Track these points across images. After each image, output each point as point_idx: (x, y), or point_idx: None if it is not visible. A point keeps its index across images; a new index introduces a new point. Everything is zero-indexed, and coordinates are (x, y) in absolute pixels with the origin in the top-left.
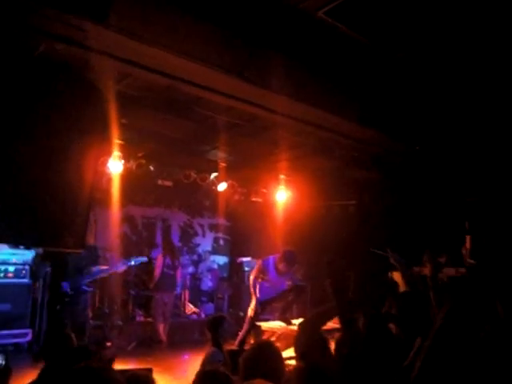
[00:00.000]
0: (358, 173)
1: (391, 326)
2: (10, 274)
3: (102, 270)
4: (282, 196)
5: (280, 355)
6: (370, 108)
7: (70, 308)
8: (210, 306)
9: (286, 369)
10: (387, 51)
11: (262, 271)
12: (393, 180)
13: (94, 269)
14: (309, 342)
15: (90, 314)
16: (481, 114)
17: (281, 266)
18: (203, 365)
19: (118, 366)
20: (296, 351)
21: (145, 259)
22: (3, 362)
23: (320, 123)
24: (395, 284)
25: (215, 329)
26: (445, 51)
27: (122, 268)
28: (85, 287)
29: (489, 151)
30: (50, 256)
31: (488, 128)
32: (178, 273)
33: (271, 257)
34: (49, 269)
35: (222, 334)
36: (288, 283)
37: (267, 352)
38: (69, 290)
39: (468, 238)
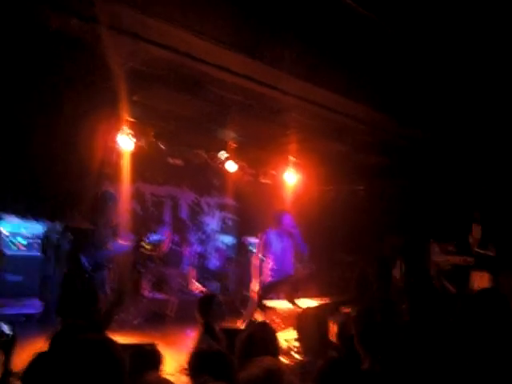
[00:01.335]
0: (368, 158)
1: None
2: (22, 247)
3: (123, 246)
4: (291, 178)
5: (275, 335)
6: (382, 92)
7: (88, 283)
8: (216, 285)
9: (287, 348)
10: (402, 33)
11: (265, 245)
12: (403, 166)
13: (115, 244)
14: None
15: (109, 291)
16: (495, 102)
17: (278, 228)
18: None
19: (124, 339)
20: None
21: (159, 237)
22: (11, 333)
23: (331, 106)
24: None
25: (205, 311)
26: (463, 31)
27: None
28: (104, 263)
29: (501, 139)
30: (69, 230)
31: (501, 116)
32: (185, 250)
33: (268, 229)
34: (68, 243)
35: (214, 317)
36: (296, 266)
37: (262, 332)
38: (88, 265)
39: (475, 226)
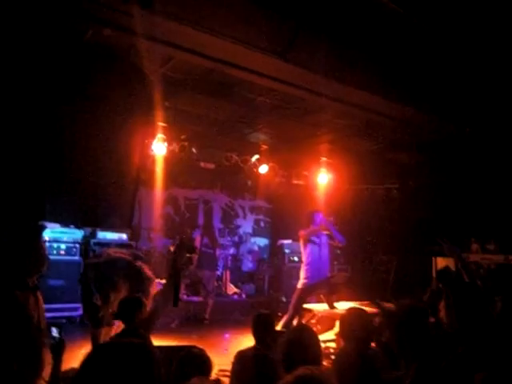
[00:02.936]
0: (402, 155)
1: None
2: (62, 252)
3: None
4: (324, 179)
5: (317, 338)
6: (414, 88)
7: None
8: (251, 287)
9: (326, 351)
10: (435, 28)
11: (305, 240)
12: (438, 163)
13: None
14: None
15: None
16: None
17: (314, 226)
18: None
19: (162, 342)
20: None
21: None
22: (58, 335)
23: (364, 104)
24: (451, 273)
25: (264, 329)
26: (498, 23)
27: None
28: None
29: None
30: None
31: None
32: (217, 252)
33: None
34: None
35: (272, 334)
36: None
37: (301, 337)
38: None
39: None
